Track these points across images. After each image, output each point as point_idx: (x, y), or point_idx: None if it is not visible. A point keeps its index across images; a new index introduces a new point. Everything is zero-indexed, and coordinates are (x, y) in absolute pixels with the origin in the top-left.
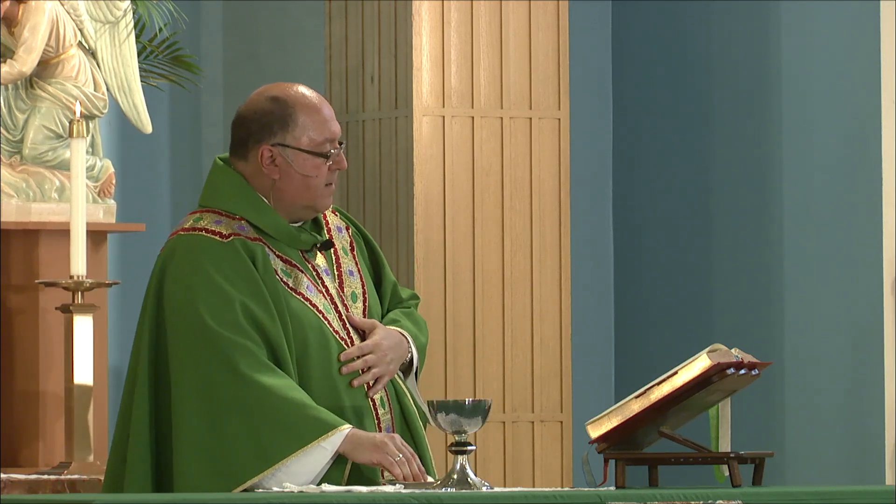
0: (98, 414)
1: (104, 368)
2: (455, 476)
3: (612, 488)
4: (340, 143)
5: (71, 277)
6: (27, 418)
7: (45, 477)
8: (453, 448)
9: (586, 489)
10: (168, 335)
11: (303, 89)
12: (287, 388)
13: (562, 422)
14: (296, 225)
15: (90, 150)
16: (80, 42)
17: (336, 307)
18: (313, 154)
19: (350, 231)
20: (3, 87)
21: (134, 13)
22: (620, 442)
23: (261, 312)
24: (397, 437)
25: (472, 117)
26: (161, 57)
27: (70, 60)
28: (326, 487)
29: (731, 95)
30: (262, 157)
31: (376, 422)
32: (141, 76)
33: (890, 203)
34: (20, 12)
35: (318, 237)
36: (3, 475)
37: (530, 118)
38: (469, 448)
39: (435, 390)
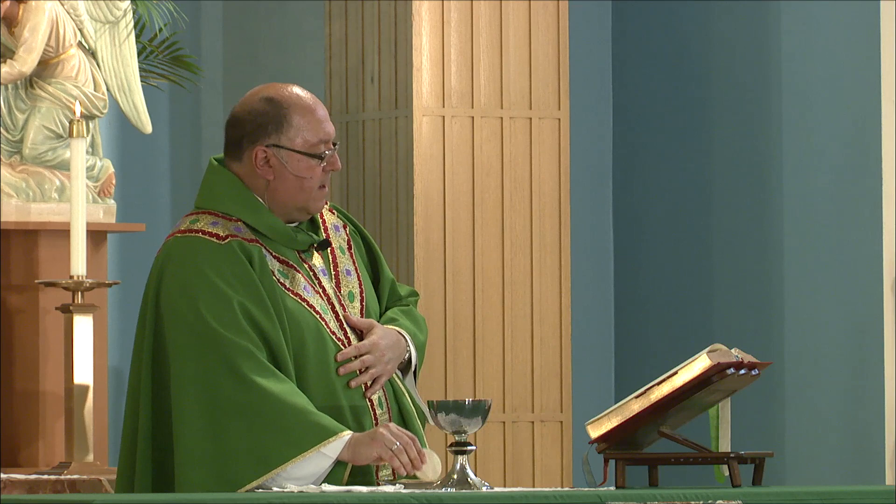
0: (98, 414)
1: (104, 368)
2: (455, 476)
3: (612, 488)
4: (335, 144)
5: (71, 277)
6: (27, 418)
7: (45, 477)
8: (453, 448)
9: (586, 489)
10: (168, 337)
11: (297, 90)
12: (289, 394)
13: (562, 422)
14: (292, 225)
15: (90, 150)
16: (80, 42)
17: (333, 307)
18: (307, 155)
19: (348, 229)
20: (3, 87)
21: (134, 13)
22: (620, 442)
23: (259, 314)
24: (392, 425)
25: (472, 117)
26: (161, 57)
27: (70, 60)
28: (326, 487)
29: (731, 95)
30: (256, 157)
31: (374, 422)
32: (141, 76)
33: (890, 203)
34: (20, 12)
35: (315, 237)
36: (3, 475)
37: (530, 118)
38: (469, 448)
39: (435, 390)
